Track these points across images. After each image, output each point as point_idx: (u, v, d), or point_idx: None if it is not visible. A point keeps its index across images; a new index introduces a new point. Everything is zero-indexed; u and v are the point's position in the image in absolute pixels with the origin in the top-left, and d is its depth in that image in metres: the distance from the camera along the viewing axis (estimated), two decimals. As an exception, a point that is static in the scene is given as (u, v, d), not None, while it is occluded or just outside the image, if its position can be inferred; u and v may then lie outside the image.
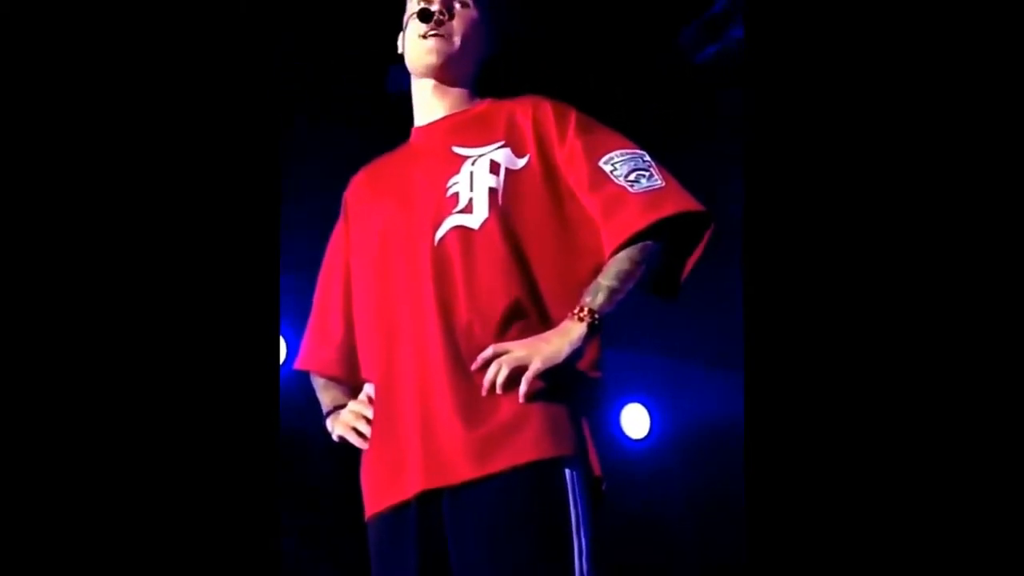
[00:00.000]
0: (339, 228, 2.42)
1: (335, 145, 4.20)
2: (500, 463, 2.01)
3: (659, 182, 2.16)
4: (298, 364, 2.45)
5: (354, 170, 2.44)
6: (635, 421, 5.45)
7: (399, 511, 2.10)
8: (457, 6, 2.30)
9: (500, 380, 2.03)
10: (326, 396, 2.38)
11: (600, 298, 2.08)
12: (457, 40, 2.29)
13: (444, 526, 2.04)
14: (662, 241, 2.14)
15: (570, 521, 1.99)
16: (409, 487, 2.07)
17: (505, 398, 2.04)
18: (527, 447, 2.01)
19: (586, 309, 2.07)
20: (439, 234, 2.16)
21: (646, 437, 5.45)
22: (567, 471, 2.02)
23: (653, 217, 2.11)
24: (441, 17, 2.28)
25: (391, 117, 2.47)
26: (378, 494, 2.15)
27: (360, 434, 2.22)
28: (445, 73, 2.30)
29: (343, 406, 2.30)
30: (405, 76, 2.38)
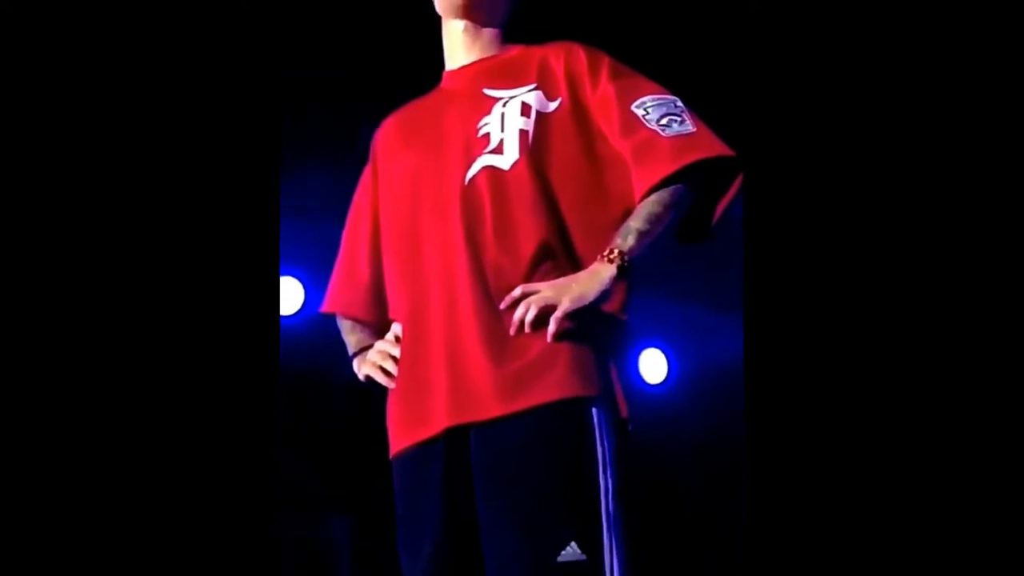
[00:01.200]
0: (367, 172, 2.42)
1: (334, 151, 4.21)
2: (528, 400, 2.01)
3: (691, 127, 2.15)
4: (325, 307, 2.45)
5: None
6: (653, 366, 5.45)
7: (425, 448, 2.10)
8: None
9: (529, 319, 2.03)
10: (352, 338, 2.38)
11: (630, 240, 2.07)
12: None
13: (470, 463, 2.05)
14: (693, 186, 2.14)
15: (597, 460, 1.99)
16: (436, 423, 2.08)
17: (533, 337, 2.04)
18: (555, 385, 2.02)
19: (616, 251, 2.06)
20: (470, 174, 2.16)
21: (664, 381, 5.46)
22: (594, 410, 2.02)
23: (684, 161, 2.11)
24: None
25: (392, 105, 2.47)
26: (404, 431, 2.16)
27: (387, 373, 2.22)
28: (475, 14, 2.29)
29: (369, 347, 2.30)
30: None
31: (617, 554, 1.98)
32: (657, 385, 5.45)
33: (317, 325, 4.63)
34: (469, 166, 2.16)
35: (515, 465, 1.99)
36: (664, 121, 2.15)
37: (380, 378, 2.23)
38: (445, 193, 2.17)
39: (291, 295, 4.64)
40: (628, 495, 2.02)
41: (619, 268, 2.05)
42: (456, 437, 2.06)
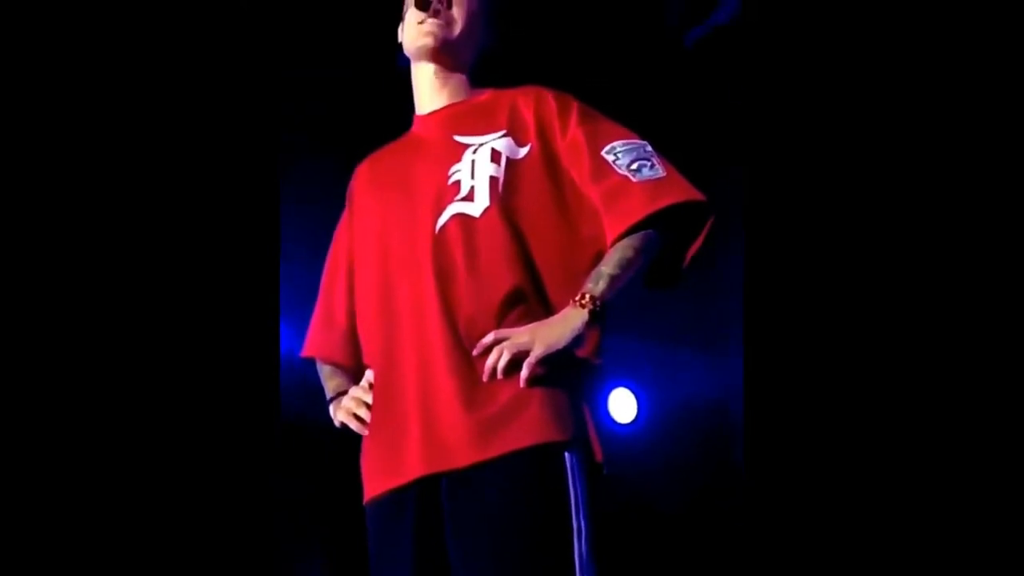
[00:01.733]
0: (344, 218, 2.43)
1: (335, 142, 4.21)
2: (500, 447, 2.01)
3: (661, 172, 2.16)
4: (304, 351, 2.46)
5: (354, 165, 2.44)
6: (622, 405, 5.45)
7: (397, 495, 2.10)
8: None
9: (501, 365, 2.03)
10: (330, 383, 2.38)
11: (602, 285, 2.08)
12: (455, 28, 2.29)
13: (442, 511, 2.04)
14: (663, 230, 2.15)
15: (569, 505, 1.98)
16: (408, 471, 2.08)
17: (505, 383, 2.04)
18: (527, 431, 2.02)
19: (588, 296, 2.07)
20: (440, 222, 2.16)
21: (633, 421, 5.46)
22: (567, 455, 2.01)
23: (655, 206, 2.12)
24: (439, 6, 2.28)
25: (392, 114, 2.47)
26: (377, 478, 2.16)
27: (360, 420, 2.22)
28: (443, 58, 2.31)
29: (345, 392, 2.30)
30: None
31: None
32: (627, 425, 5.45)
33: (295, 370, 4.64)
34: (440, 214, 2.17)
35: (487, 512, 1.99)
36: (634, 166, 2.16)
37: (354, 425, 2.24)
38: (416, 241, 2.17)
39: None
40: (602, 538, 2.02)
41: (591, 313, 2.06)
42: (429, 485, 2.06)
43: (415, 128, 2.36)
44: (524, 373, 2.02)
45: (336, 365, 2.38)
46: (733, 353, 5.29)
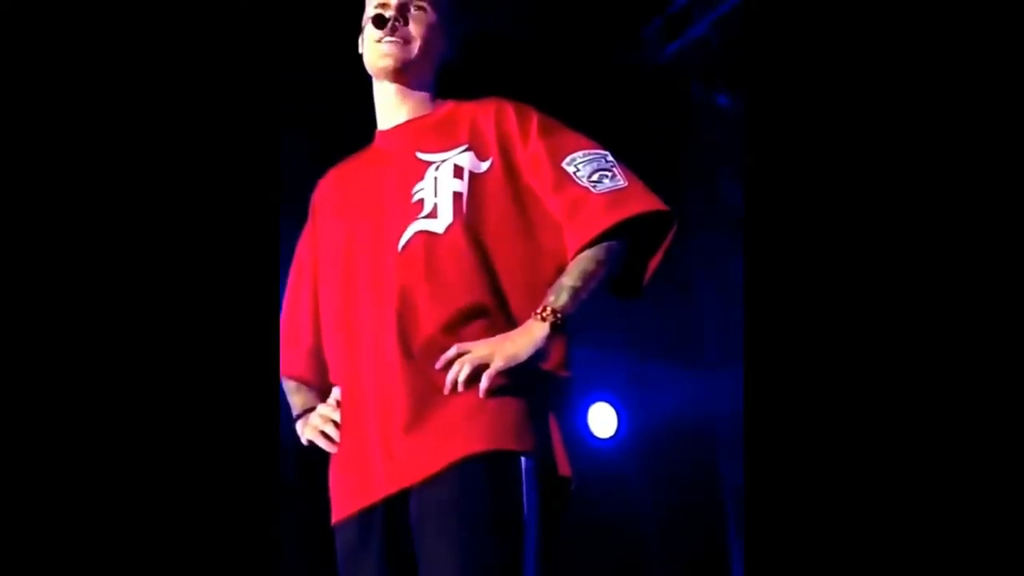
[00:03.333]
0: (307, 231, 2.42)
1: (333, 151, 4.20)
2: (453, 454, 2.00)
3: (622, 182, 2.16)
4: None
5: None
6: (602, 420, 5.44)
7: (365, 516, 2.09)
8: (413, 10, 2.30)
9: (462, 378, 2.02)
10: (296, 399, 2.37)
11: (563, 297, 2.07)
12: (414, 45, 2.28)
13: (410, 527, 2.03)
14: (625, 241, 2.14)
15: (522, 515, 1.97)
16: (374, 492, 2.07)
17: (462, 396, 2.03)
18: (480, 436, 2.01)
19: (549, 308, 2.06)
20: (403, 240, 2.16)
21: (613, 436, 5.45)
22: (523, 464, 2.01)
23: (616, 218, 2.11)
24: (396, 23, 2.28)
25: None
26: (345, 499, 2.15)
27: (328, 438, 2.21)
28: (403, 77, 2.30)
29: (312, 410, 2.28)
30: None
31: None
32: (607, 439, 5.44)
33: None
34: (403, 232, 2.16)
35: (444, 517, 1.98)
36: (595, 177, 2.15)
37: (322, 443, 2.22)
38: (379, 260, 2.17)
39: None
40: (560, 553, 2.01)
41: (552, 325, 2.05)
42: (395, 503, 2.05)
43: (377, 142, 2.35)
44: (483, 385, 2.02)
45: (301, 381, 2.37)
46: (715, 367, 5.29)
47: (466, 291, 2.10)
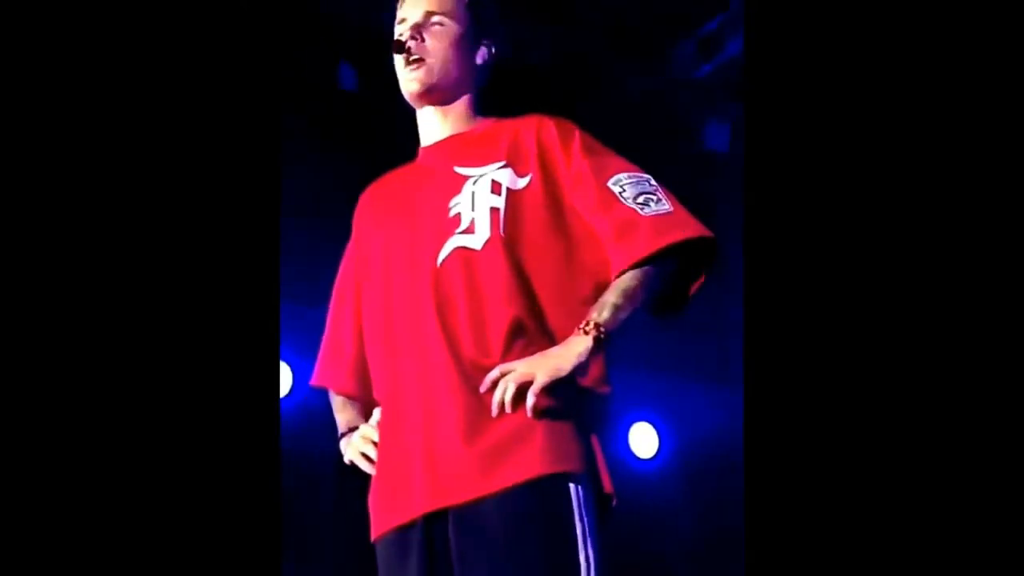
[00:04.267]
0: (350, 245, 2.43)
1: (335, 166, 4.22)
2: (504, 481, 2.00)
3: (668, 206, 2.17)
4: (313, 380, 2.46)
5: (352, 191, 2.45)
6: (643, 440, 5.43)
7: (405, 532, 2.10)
8: (432, 26, 2.27)
9: (508, 398, 2.02)
10: (342, 417, 2.38)
11: (606, 314, 2.08)
12: (435, 62, 2.26)
13: (449, 546, 2.04)
14: (667, 264, 2.15)
15: (576, 536, 1.98)
16: (414, 508, 2.08)
17: (509, 417, 2.03)
18: (531, 463, 2.01)
19: (592, 323, 2.07)
20: (441, 256, 2.16)
21: (655, 456, 5.44)
22: (572, 486, 2.01)
23: (664, 242, 2.12)
24: (412, 43, 2.26)
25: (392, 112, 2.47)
26: (384, 515, 2.15)
27: (368, 459, 2.23)
28: (434, 97, 2.30)
29: (356, 428, 2.30)
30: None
31: None
32: (648, 460, 5.43)
33: (305, 409, 4.65)
34: (440, 247, 2.17)
35: (493, 545, 1.98)
36: (641, 199, 2.16)
37: (362, 464, 2.24)
38: (418, 276, 2.17)
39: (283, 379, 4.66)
40: (610, 570, 2.01)
41: (595, 340, 2.06)
42: (435, 521, 2.06)
43: (419, 159, 2.36)
44: (529, 403, 2.02)
45: (347, 396, 2.38)
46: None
47: (505, 307, 2.11)
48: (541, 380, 2.03)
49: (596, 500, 2.04)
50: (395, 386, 2.18)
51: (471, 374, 2.08)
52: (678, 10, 3.67)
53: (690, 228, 2.15)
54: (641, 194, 2.17)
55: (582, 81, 3.73)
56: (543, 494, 2.00)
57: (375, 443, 2.22)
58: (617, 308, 2.09)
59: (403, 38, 2.26)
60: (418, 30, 2.27)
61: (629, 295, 2.11)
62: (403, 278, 2.21)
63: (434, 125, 2.32)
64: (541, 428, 2.03)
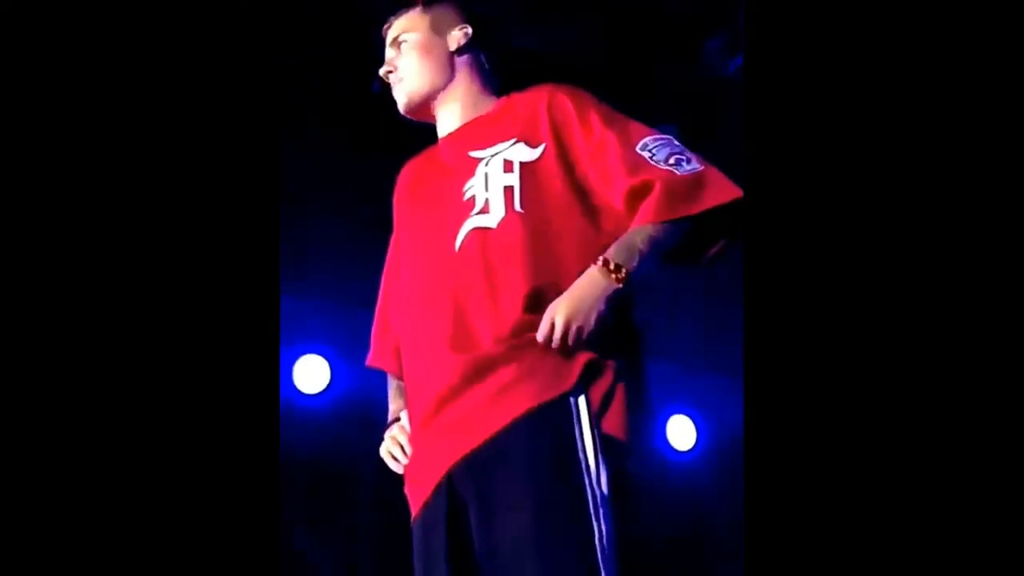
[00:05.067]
0: (394, 228, 2.47)
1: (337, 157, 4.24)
2: (506, 416, 2.03)
3: (698, 166, 2.16)
4: (368, 361, 2.50)
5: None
6: (681, 433, 5.44)
7: (430, 506, 2.13)
8: (400, 48, 2.37)
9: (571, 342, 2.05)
10: (392, 405, 2.42)
11: (622, 252, 2.09)
12: (410, 75, 2.35)
13: (469, 511, 2.07)
14: (696, 222, 2.14)
15: (578, 454, 1.99)
16: (435, 474, 2.11)
17: (507, 364, 2.06)
18: (530, 394, 2.04)
19: (602, 258, 2.08)
20: (459, 240, 2.19)
21: (692, 449, 5.44)
22: (572, 404, 2.02)
23: (707, 204, 2.12)
24: (389, 74, 2.37)
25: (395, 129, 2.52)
26: (414, 496, 2.19)
27: (395, 458, 2.27)
28: (427, 106, 2.37)
29: (398, 420, 2.34)
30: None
31: (608, 538, 1.96)
32: (686, 452, 5.43)
33: (342, 405, 4.69)
34: (458, 232, 2.19)
35: (504, 480, 2.01)
36: (672, 161, 2.15)
37: (391, 464, 2.29)
38: (438, 262, 2.20)
39: (317, 374, 4.70)
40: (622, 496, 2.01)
41: (605, 271, 2.07)
42: (455, 493, 2.08)
43: (440, 149, 2.39)
44: (542, 333, 2.05)
45: (395, 376, 2.42)
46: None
47: (524, 282, 2.11)
48: (560, 318, 2.05)
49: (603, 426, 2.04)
50: (417, 375, 2.21)
51: (486, 353, 2.10)
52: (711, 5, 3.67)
53: (726, 190, 2.13)
54: (671, 155, 2.17)
55: (612, 74, 3.73)
56: (540, 421, 2.02)
57: (402, 445, 2.26)
58: (633, 247, 2.10)
59: (382, 72, 2.38)
60: (392, 60, 2.38)
61: (650, 241, 2.10)
62: (424, 268, 2.24)
63: (447, 119, 2.37)
64: (542, 364, 2.06)
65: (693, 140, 2.27)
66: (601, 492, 1.98)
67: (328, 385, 4.71)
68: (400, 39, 2.37)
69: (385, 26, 2.41)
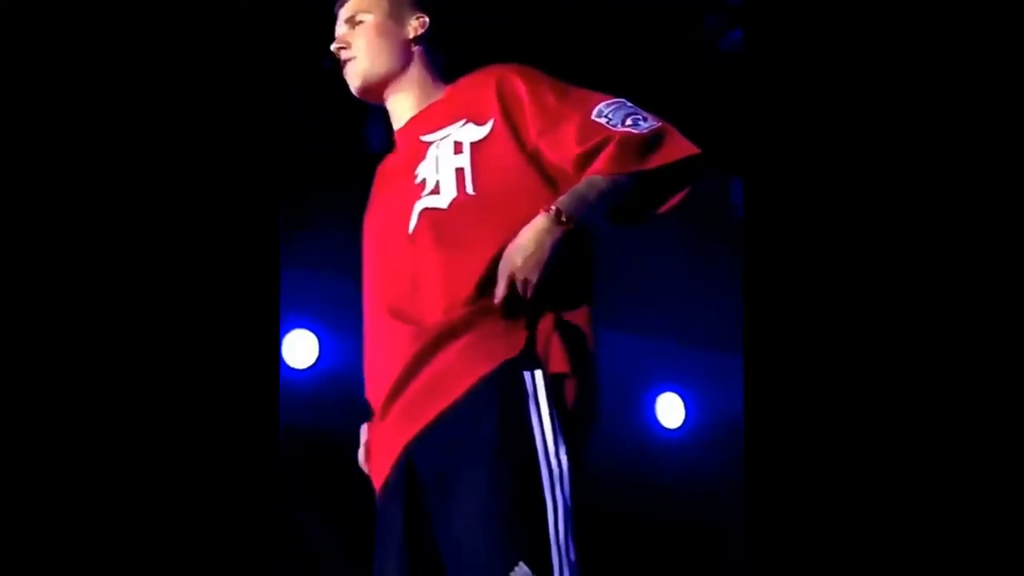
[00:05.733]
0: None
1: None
2: (454, 392, 2.03)
3: (655, 123, 2.14)
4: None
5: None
6: (670, 410, 5.44)
7: (391, 480, 2.12)
8: (356, 26, 2.33)
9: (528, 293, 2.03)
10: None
11: (569, 199, 2.07)
12: (362, 56, 2.32)
13: (426, 488, 2.06)
14: (649, 176, 2.11)
15: (531, 424, 1.98)
16: (393, 453, 2.10)
17: (455, 340, 2.05)
18: (473, 368, 2.03)
19: (552, 207, 2.06)
20: (412, 222, 2.18)
21: (681, 426, 5.44)
22: (525, 371, 2.02)
23: (664, 159, 2.09)
24: (341, 50, 2.32)
25: None
26: (376, 472, 2.18)
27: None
28: (378, 87, 2.34)
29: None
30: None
31: (564, 512, 1.95)
32: (675, 430, 5.44)
33: (330, 379, 4.68)
34: (411, 215, 2.18)
35: (458, 453, 2.00)
36: (629, 122, 2.12)
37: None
38: (395, 249, 2.20)
39: (306, 349, 4.69)
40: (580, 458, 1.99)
41: (553, 219, 2.04)
42: (412, 469, 2.08)
43: (396, 143, 2.38)
44: (498, 292, 2.03)
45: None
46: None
47: (478, 260, 2.10)
48: (506, 270, 2.03)
49: (554, 382, 2.03)
50: (377, 357, 2.21)
51: (438, 327, 2.09)
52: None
53: (683, 146, 2.11)
54: (628, 116, 2.14)
55: (609, 48, 3.72)
56: (493, 391, 2.01)
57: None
58: (582, 196, 2.08)
59: (333, 48, 2.33)
60: (345, 36, 2.33)
61: (600, 192, 2.08)
62: (382, 255, 2.25)
63: (400, 109, 2.35)
64: (492, 328, 2.05)
65: (686, 117, 2.25)
66: (560, 465, 1.98)
67: (316, 360, 4.70)
68: (357, 18, 2.34)
69: (339, 3, 2.37)
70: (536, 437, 1.99)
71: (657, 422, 5.40)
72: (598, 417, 2.09)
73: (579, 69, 2.35)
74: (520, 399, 2.01)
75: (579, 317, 2.11)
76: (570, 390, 2.06)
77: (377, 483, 2.17)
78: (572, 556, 1.94)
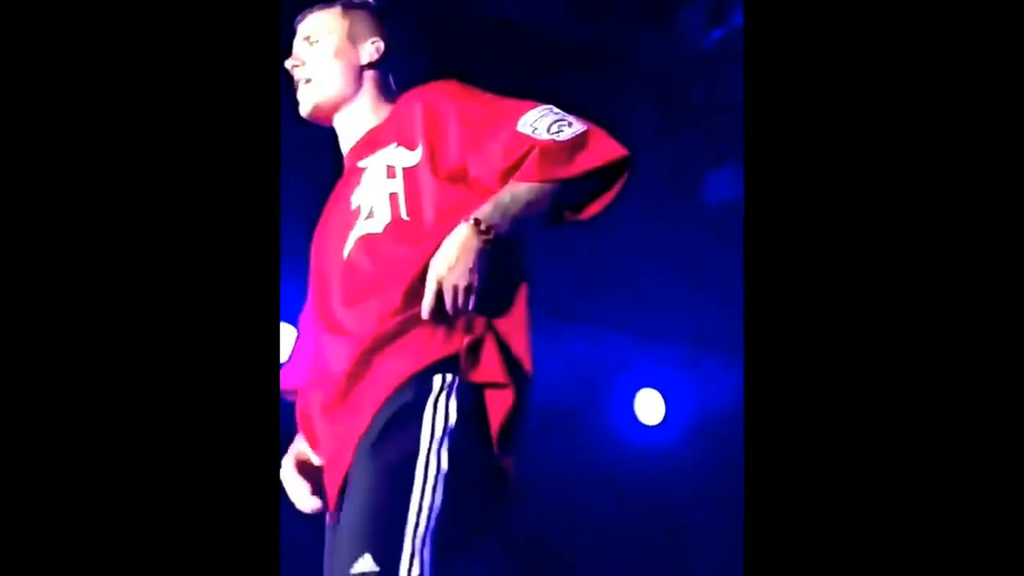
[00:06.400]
0: None
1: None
2: (378, 400, 2.05)
3: (581, 127, 2.13)
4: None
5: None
6: (650, 407, 5.45)
7: (338, 502, 2.13)
8: (312, 47, 2.33)
9: (460, 303, 2.03)
10: None
11: (487, 207, 2.07)
12: (321, 80, 2.32)
13: None
14: (574, 181, 2.11)
15: (418, 433, 2.00)
16: (347, 459, 2.10)
17: (383, 348, 2.07)
18: (393, 377, 2.05)
19: (472, 218, 2.05)
20: (347, 247, 2.19)
21: (661, 423, 5.45)
22: (440, 380, 2.03)
23: (587, 165, 2.09)
24: (294, 69, 2.32)
25: None
26: (329, 495, 2.18)
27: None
28: (327, 109, 2.33)
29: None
30: None
31: (434, 513, 1.96)
32: (655, 427, 5.45)
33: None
34: (346, 240, 2.19)
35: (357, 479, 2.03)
36: (554, 129, 2.11)
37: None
38: (330, 272, 2.21)
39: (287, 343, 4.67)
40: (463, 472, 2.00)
41: (472, 227, 2.03)
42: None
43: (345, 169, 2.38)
44: (424, 304, 2.03)
45: None
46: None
47: (409, 273, 2.11)
48: (431, 280, 2.02)
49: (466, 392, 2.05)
50: (320, 378, 2.20)
51: (369, 340, 2.10)
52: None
53: (610, 149, 2.11)
54: (553, 123, 2.13)
55: (587, 46, 3.71)
56: (410, 389, 2.04)
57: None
58: (501, 203, 2.07)
59: (288, 64, 2.32)
60: (300, 55, 2.33)
61: (525, 202, 2.07)
62: (321, 279, 2.25)
63: (348, 132, 2.35)
64: (416, 336, 2.06)
65: (666, 113, 2.27)
66: (437, 467, 1.98)
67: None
68: (314, 37, 2.33)
69: (299, 18, 2.36)
70: (421, 438, 2.00)
71: (636, 419, 5.41)
72: (522, 424, 2.09)
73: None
74: (421, 400, 2.02)
75: (511, 322, 2.11)
76: (495, 396, 2.06)
77: (330, 505, 2.16)
78: (427, 556, 1.95)
